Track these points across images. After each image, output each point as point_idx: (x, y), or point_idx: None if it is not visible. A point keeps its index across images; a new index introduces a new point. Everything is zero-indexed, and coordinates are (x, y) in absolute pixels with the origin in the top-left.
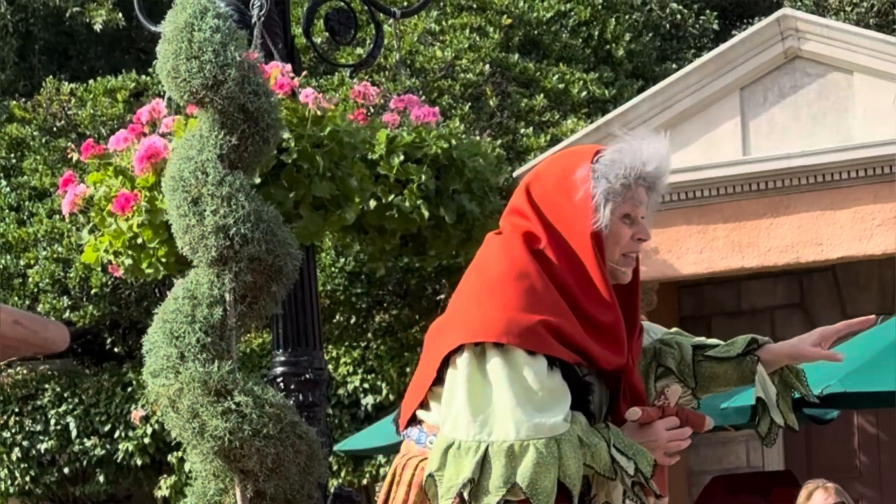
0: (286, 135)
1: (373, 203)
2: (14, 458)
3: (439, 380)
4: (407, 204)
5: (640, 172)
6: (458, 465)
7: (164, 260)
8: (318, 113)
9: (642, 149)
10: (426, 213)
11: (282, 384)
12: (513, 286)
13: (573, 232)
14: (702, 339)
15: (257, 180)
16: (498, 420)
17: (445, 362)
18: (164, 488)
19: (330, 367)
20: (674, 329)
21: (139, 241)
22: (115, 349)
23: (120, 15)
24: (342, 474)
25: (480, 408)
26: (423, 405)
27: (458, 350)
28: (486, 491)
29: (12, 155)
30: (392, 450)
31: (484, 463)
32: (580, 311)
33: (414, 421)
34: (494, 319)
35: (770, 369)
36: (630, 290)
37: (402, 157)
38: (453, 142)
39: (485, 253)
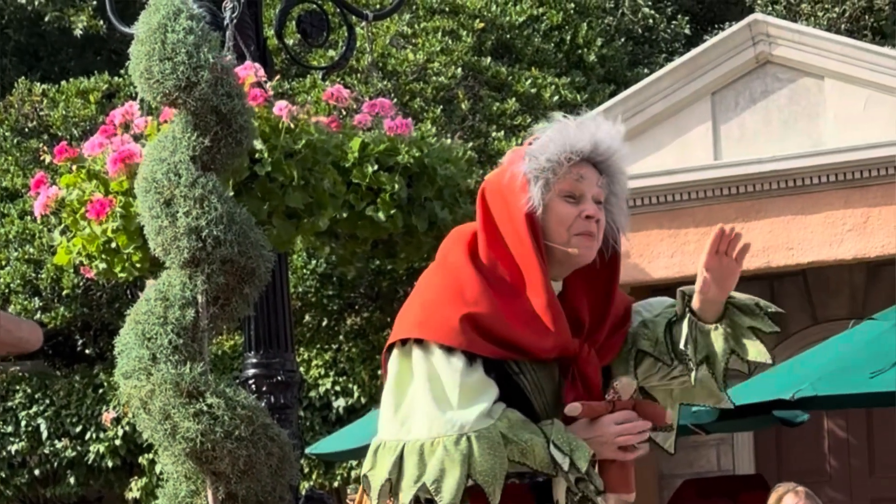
0: (259, 145)
1: (345, 212)
2: None
3: None
4: (380, 213)
5: (570, 149)
6: (382, 466)
7: (138, 265)
8: (292, 125)
9: (573, 127)
10: (401, 222)
11: (254, 386)
12: (437, 283)
13: (510, 216)
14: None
15: (231, 193)
16: (415, 419)
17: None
18: (135, 490)
19: (301, 369)
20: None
21: (113, 245)
22: (87, 351)
23: (101, 21)
24: (313, 477)
25: (401, 407)
26: None
27: (390, 350)
28: (401, 490)
29: None
30: (363, 452)
31: (400, 462)
32: (519, 299)
33: None
34: (414, 316)
35: (711, 316)
36: (606, 275)
37: (374, 166)
38: (425, 149)
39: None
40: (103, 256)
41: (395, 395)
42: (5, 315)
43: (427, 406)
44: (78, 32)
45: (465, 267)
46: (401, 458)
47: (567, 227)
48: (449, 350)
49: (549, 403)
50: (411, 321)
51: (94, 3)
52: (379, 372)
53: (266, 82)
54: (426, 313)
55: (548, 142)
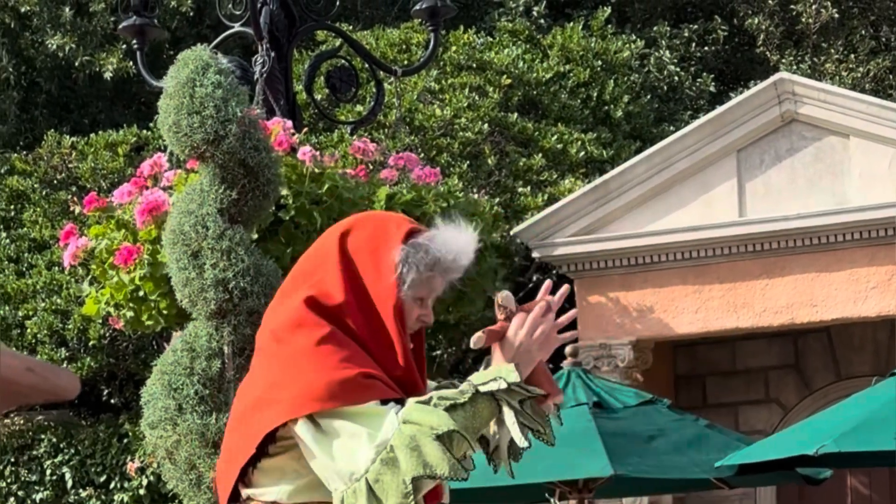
0: (284, 191)
1: None
2: None
3: (263, 454)
4: None
5: (447, 266)
6: None
7: (165, 312)
8: (317, 170)
9: (454, 243)
10: None
11: None
12: (322, 348)
13: (379, 298)
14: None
15: (255, 235)
16: (357, 452)
17: (271, 436)
18: None
19: None
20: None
21: (141, 293)
22: (112, 401)
23: (131, 63)
24: None
25: (340, 455)
26: (246, 482)
27: (289, 421)
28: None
29: (12, 207)
30: None
31: (371, 492)
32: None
33: (237, 498)
34: (315, 386)
35: None
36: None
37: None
38: (451, 201)
39: (287, 317)
40: (131, 305)
41: (331, 453)
42: (42, 363)
43: (356, 433)
44: (108, 75)
45: (336, 331)
46: (370, 489)
47: (408, 324)
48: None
49: None
50: (311, 392)
51: (124, 46)
52: None
53: (293, 135)
54: (325, 381)
55: (429, 254)
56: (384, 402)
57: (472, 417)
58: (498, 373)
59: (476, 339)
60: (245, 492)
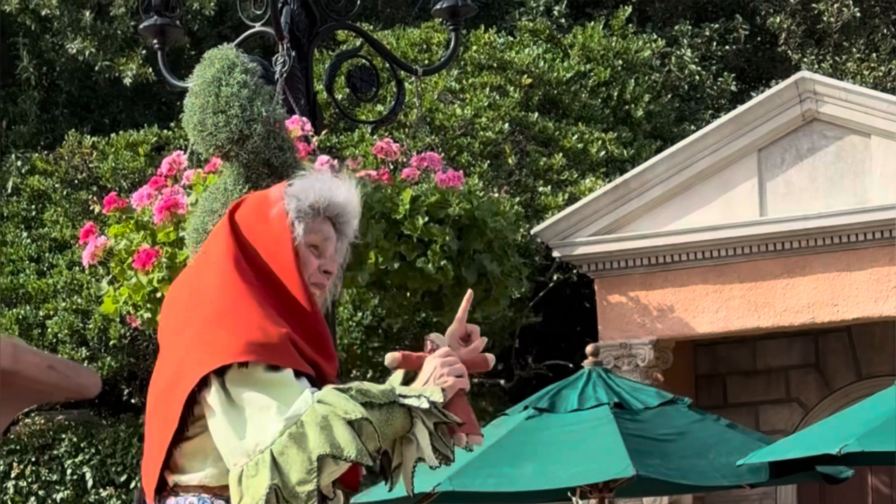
0: None
1: (396, 263)
2: None
3: (184, 437)
4: (431, 265)
5: (328, 199)
6: (258, 482)
7: None
8: None
9: (331, 181)
10: (451, 273)
11: None
12: (244, 306)
13: (271, 247)
14: None
15: None
16: (266, 424)
17: (190, 416)
18: None
19: None
20: None
21: (159, 295)
22: (132, 400)
23: (150, 69)
24: None
25: (248, 430)
26: (171, 468)
27: (204, 387)
28: (296, 480)
29: (33, 207)
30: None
31: (277, 463)
32: (299, 324)
33: (165, 488)
34: (234, 341)
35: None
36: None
37: (425, 218)
38: (475, 202)
39: (202, 289)
40: (148, 306)
41: (233, 425)
42: (63, 361)
43: (269, 405)
44: (128, 81)
45: (254, 290)
46: (274, 460)
47: (309, 275)
48: (275, 369)
49: None
50: (229, 347)
51: (144, 52)
52: None
53: (312, 136)
54: (246, 336)
55: (306, 188)
56: (297, 374)
57: (385, 423)
58: (423, 391)
59: (391, 359)
60: (171, 479)
